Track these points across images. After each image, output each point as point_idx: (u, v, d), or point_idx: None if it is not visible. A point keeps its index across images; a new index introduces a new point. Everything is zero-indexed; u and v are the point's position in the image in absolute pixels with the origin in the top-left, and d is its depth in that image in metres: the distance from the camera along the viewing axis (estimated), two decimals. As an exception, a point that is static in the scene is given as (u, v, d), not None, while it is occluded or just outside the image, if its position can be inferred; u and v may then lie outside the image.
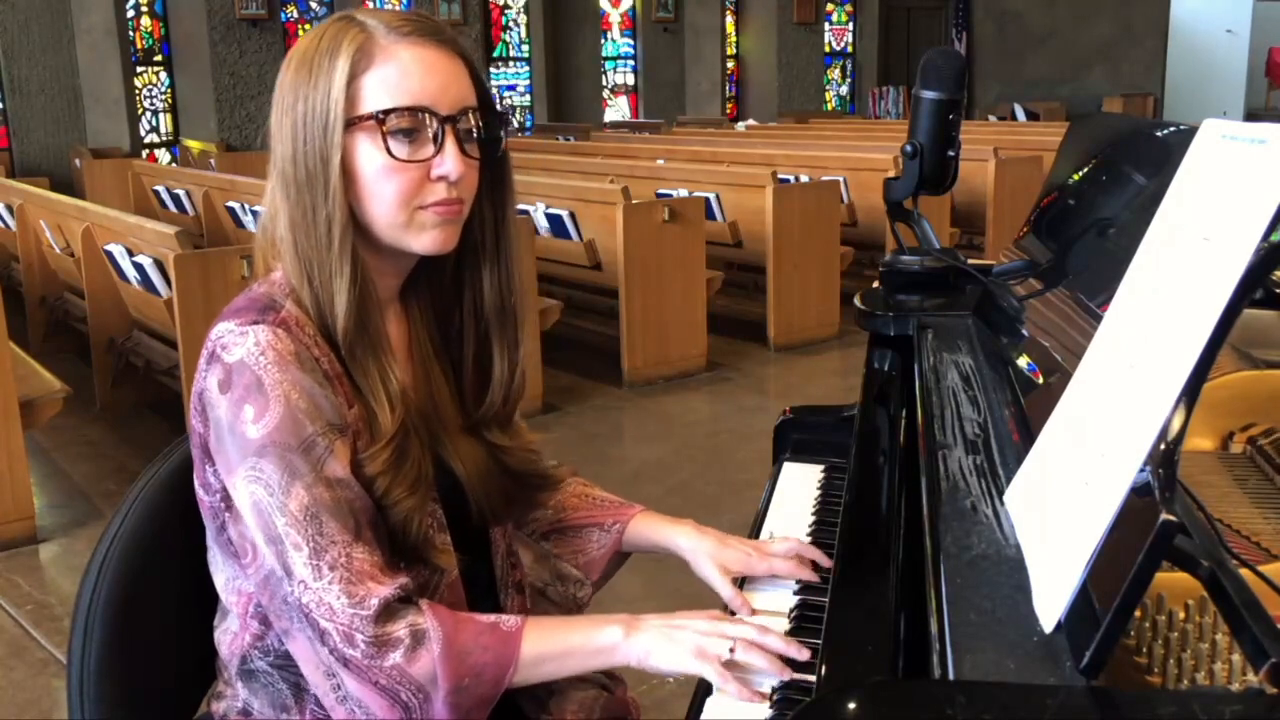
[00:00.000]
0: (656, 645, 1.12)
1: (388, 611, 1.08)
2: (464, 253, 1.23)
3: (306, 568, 1.07)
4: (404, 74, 1.12)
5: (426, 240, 1.15)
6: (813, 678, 1.09)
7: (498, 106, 1.21)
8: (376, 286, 1.18)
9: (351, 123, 1.12)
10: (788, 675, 1.10)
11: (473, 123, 1.16)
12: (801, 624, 1.23)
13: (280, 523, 1.08)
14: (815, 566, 1.32)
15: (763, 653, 1.11)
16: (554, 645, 1.13)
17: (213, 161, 8.45)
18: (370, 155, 1.13)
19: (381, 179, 1.13)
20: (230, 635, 1.22)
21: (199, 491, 1.19)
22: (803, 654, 1.12)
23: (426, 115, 1.12)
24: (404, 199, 1.13)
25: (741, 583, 1.31)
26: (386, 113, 1.11)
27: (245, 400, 1.08)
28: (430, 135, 1.13)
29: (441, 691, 1.07)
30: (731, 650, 1.11)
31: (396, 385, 1.16)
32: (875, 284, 1.78)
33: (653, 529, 1.38)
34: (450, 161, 1.13)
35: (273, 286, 1.16)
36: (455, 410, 1.28)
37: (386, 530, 1.15)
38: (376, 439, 1.14)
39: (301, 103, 1.13)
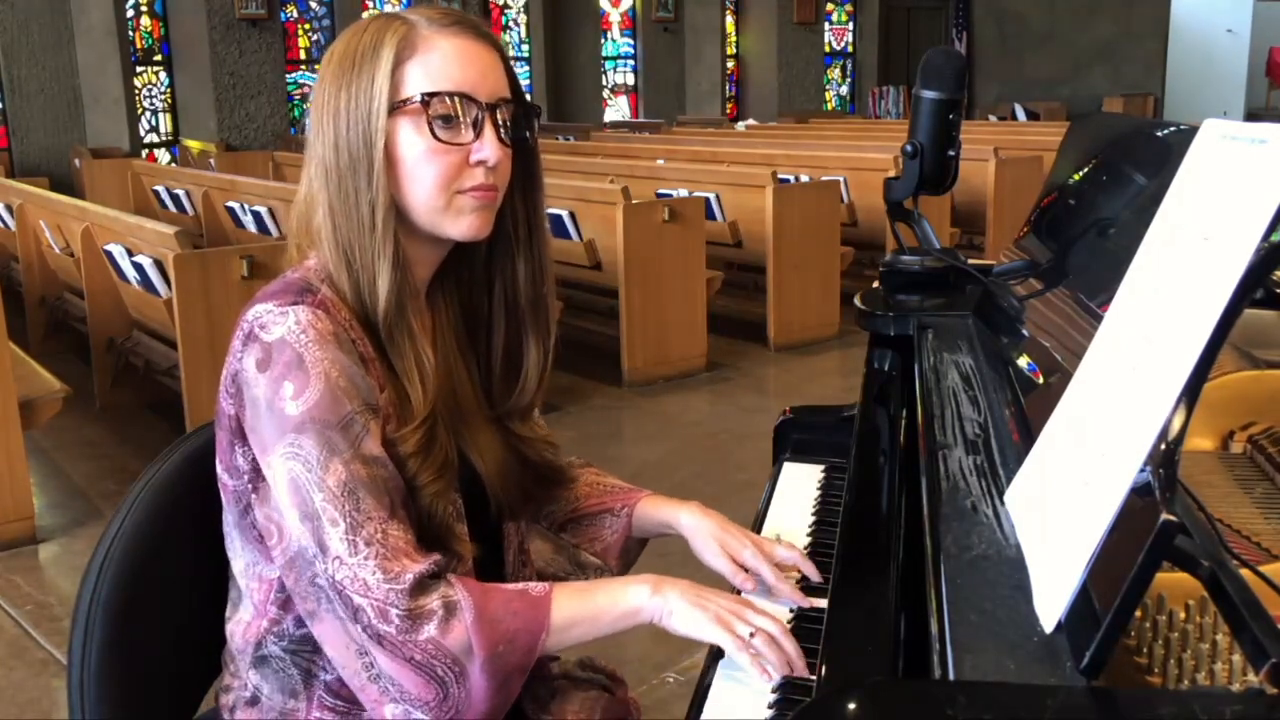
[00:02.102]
0: (680, 606, 1.14)
1: (421, 586, 1.09)
2: (495, 244, 1.26)
3: (343, 543, 1.08)
4: (446, 61, 1.16)
5: (464, 225, 1.18)
6: (813, 677, 1.09)
7: (528, 101, 1.24)
8: (411, 276, 1.21)
9: (395, 107, 1.15)
10: (791, 671, 1.11)
11: (507, 114, 1.19)
12: (801, 624, 1.23)
13: (318, 498, 1.09)
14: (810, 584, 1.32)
15: (777, 649, 1.12)
16: (583, 609, 1.14)
17: (212, 161, 8.45)
18: (412, 140, 1.16)
19: (422, 162, 1.16)
20: (243, 625, 1.23)
21: (222, 475, 1.20)
22: (804, 672, 1.12)
23: (467, 101, 1.16)
24: (444, 182, 1.16)
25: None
26: (430, 96, 1.15)
27: (285, 377, 1.10)
28: (470, 121, 1.16)
29: (477, 661, 1.07)
30: (751, 635, 1.12)
31: (430, 368, 1.19)
32: (875, 284, 1.78)
33: (658, 509, 1.40)
34: (489, 147, 1.16)
35: (307, 272, 1.19)
36: (477, 403, 1.30)
37: (415, 513, 1.16)
38: (408, 421, 1.16)
39: (345, 92, 1.16)
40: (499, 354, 1.30)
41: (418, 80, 1.15)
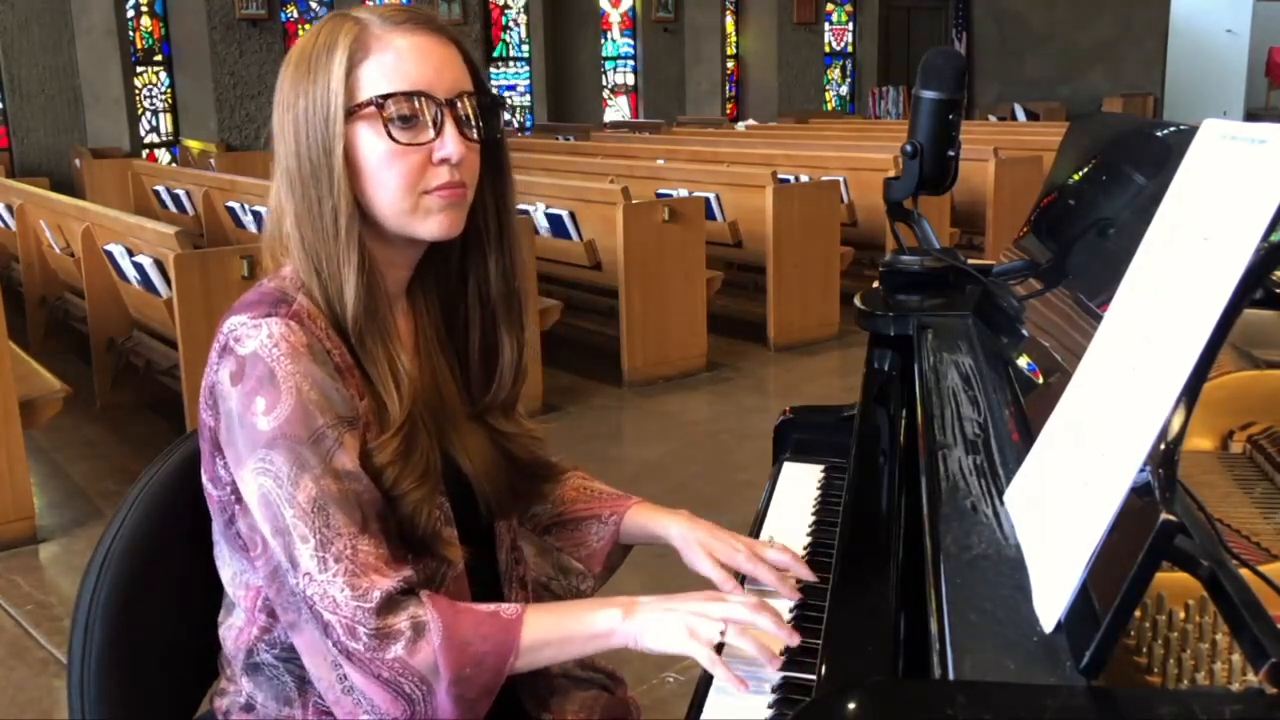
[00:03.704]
0: (649, 627, 1.12)
1: (390, 604, 1.08)
2: (467, 240, 1.25)
3: (312, 560, 1.08)
4: (400, 60, 1.14)
5: (433, 225, 1.17)
6: (812, 677, 1.09)
7: (492, 91, 1.23)
8: (385, 279, 1.20)
9: (352, 112, 1.13)
10: (776, 666, 1.11)
11: (469, 107, 1.17)
12: (801, 624, 1.23)
13: (288, 514, 1.08)
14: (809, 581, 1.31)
15: (752, 639, 1.11)
16: (553, 631, 1.13)
17: (213, 161, 8.45)
18: (372, 143, 1.14)
19: (385, 166, 1.14)
20: (235, 630, 1.23)
21: (207, 486, 1.19)
22: (794, 639, 1.12)
23: (424, 99, 1.14)
24: (408, 184, 1.15)
25: (742, 580, 1.31)
26: (385, 98, 1.13)
27: (257, 392, 1.09)
28: (429, 119, 1.14)
29: (443, 682, 1.07)
30: (722, 633, 1.11)
31: (405, 374, 1.18)
32: (875, 284, 1.78)
33: (647, 518, 1.39)
34: (451, 143, 1.14)
35: (283, 281, 1.18)
36: (461, 401, 1.29)
37: (395, 522, 1.16)
38: (386, 429, 1.15)
39: (302, 99, 1.15)
40: (475, 350, 1.29)
41: (372, 83, 1.13)
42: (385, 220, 1.17)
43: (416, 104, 1.14)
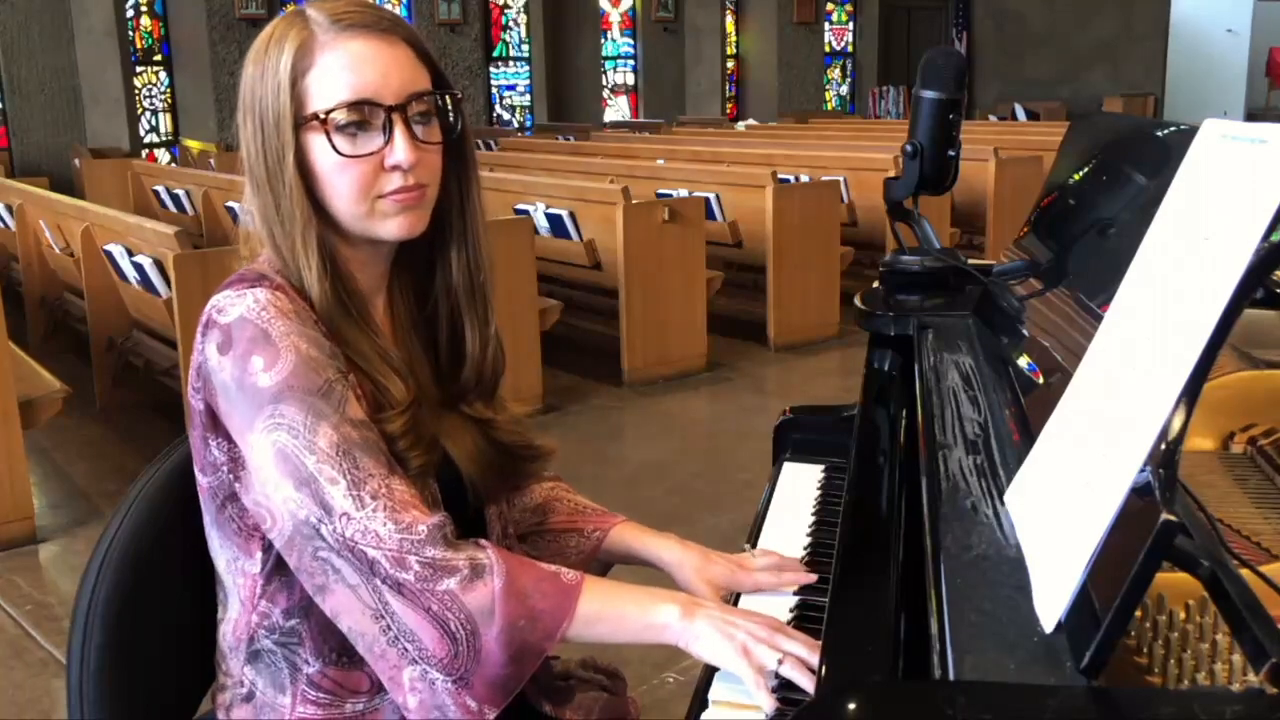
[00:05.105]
0: (706, 634, 1.10)
1: (446, 540, 1.08)
2: (435, 233, 1.24)
3: (347, 499, 1.07)
4: (344, 69, 1.13)
5: (392, 227, 1.17)
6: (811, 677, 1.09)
7: (451, 85, 1.22)
8: (358, 279, 1.21)
9: (300, 123, 1.14)
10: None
11: (426, 106, 1.17)
12: (801, 624, 1.23)
13: (311, 461, 1.07)
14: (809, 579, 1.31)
15: (808, 674, 1.07)
16: (610, 609, 1.12)
17: (212, 161, 8.44)
18: (324, 151, 1.14)
19: (336, 174, 1.15)
20: (233, 624, 1.23)
21: (199, 476, 1.19)
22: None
23: (371, 108, 1.13)
24: (361, 192, 1.15)
25: (737, 596, 1.31)
26: (328, 112, 1.13)
27: (251, 352, 1.09)
28: (379, 126, 1.14)
29: (495, 627, 1.06)
30: (780, 663, 1.08)
31: (396, 356, 1.19)
32: (875, 284, 1.78)
33: (635, 539, 1.38)
34: (401, 151, 1.14)
35: (261, 265, 1.19)
36: (436, 390, 1.28)
37: None
38: (392, 406, 1.16)
39: (258, 102, 1.15)
40: (444, 340, 1.29)
41: (318, 93, 1.13)
42: (345, 224, 1.17)
43: (364, 112, 1.13)
